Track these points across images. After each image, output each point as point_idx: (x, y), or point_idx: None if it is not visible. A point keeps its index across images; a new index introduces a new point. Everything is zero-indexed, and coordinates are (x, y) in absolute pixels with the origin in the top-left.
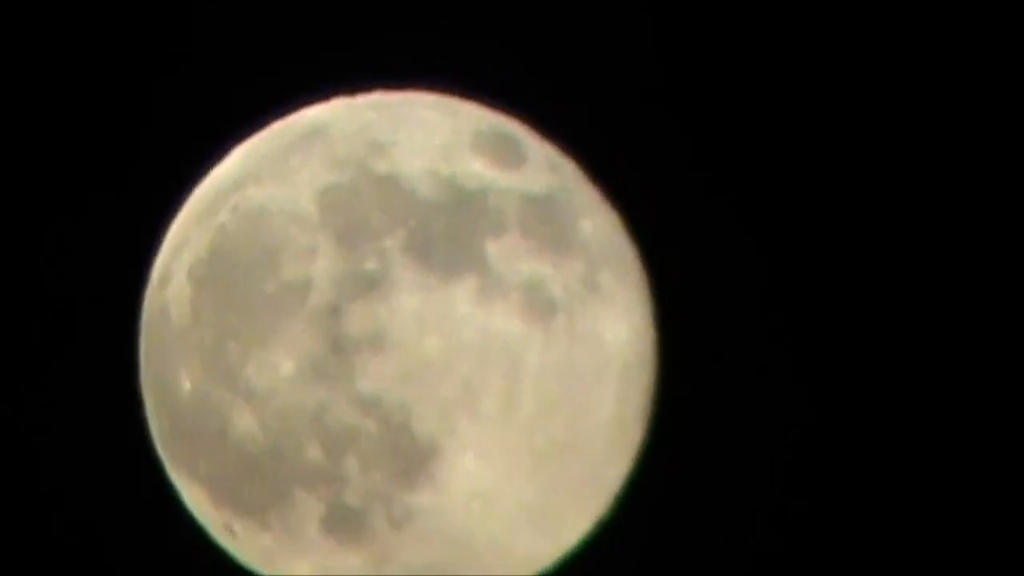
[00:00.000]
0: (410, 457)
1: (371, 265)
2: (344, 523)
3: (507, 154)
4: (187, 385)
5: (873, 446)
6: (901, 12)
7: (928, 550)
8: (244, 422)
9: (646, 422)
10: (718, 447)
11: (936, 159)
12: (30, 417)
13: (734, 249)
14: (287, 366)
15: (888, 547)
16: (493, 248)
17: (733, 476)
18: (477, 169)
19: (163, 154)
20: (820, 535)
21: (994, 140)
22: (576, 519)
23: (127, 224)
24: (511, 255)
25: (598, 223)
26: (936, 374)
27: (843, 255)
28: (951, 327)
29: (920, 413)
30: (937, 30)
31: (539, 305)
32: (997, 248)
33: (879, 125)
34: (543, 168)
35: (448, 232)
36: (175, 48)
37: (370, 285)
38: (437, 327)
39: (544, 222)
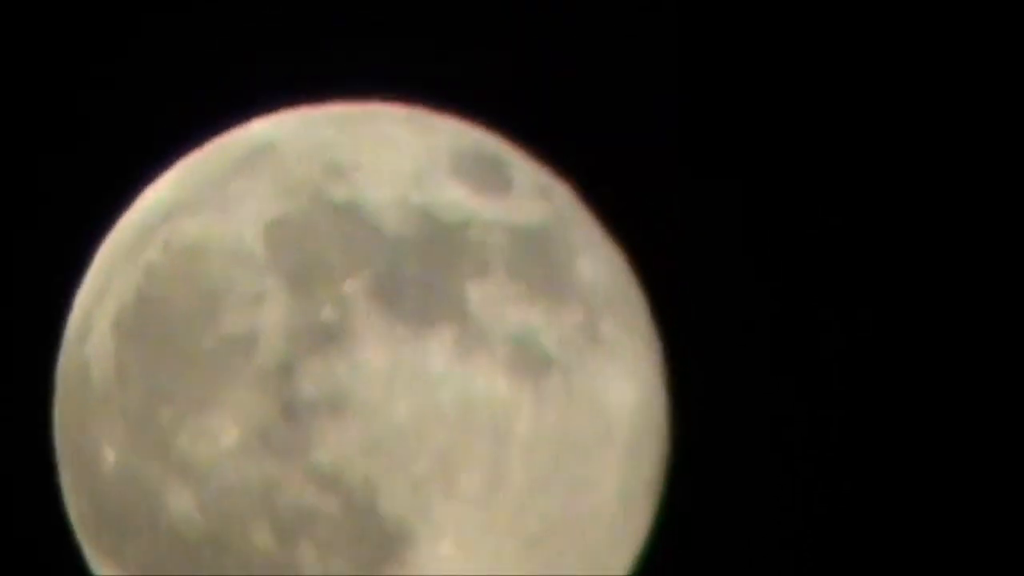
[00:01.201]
0: (377, 544)
1: (329, 314)
2: None
3: (491, 179)
4: (111, 458)
5: (913, 510)
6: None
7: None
8: (179, 502)
9: (656, 501)
10: (740, 531)
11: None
12: None
13: (759, 297)
14: (230, 435)
15: None
16: (475, 293)
17: (757, 566)
18: (455, 197)
19: (81, 179)
20: None
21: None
22: None
23: (37, 264)
24: (496, 301)
25: (599, 262)
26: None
27: (880, 295)
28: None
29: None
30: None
31: (529, 361)
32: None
33: (892, 143)
34: (533, 195)
35: (421, 274)
36: (97, 51)
37: (328, 338)
38: (408, 388)
39: (535, 261)
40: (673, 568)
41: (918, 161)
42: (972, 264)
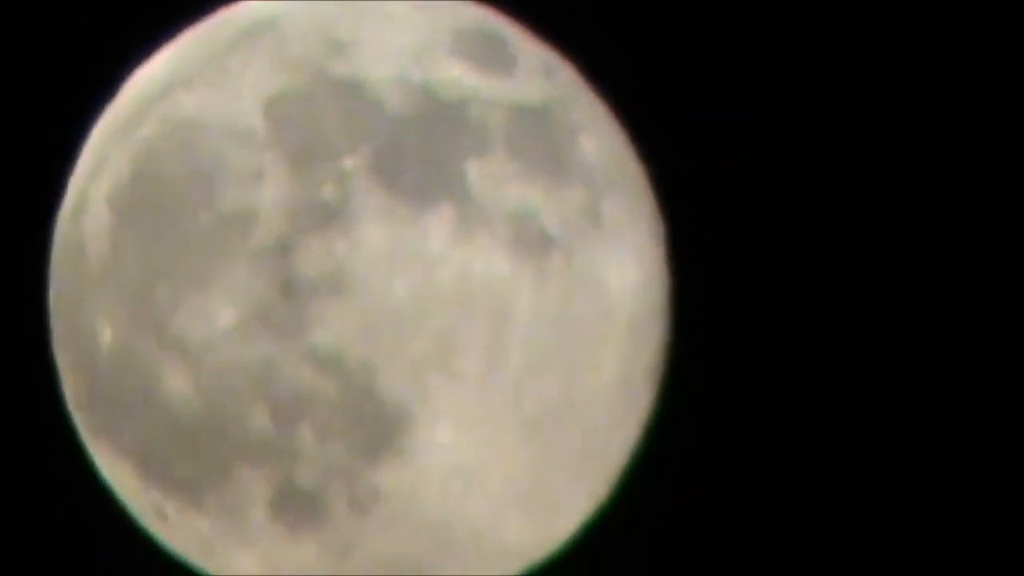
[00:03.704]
0: (375, 426)
1: (328, 192)
2: (296, 506)
3: (493, 57)
4: (107, 337)
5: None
6: None
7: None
8: (176, 382)
9: (658, 384)
10: (742, 415)
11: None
12: None
13: (767, 174)
14: (227, 315)
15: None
16: (475, 171)
17: (759, 450)
18: (456, 75)
19: (76, 54)
20: (860, 520)
21: None
22: (574, 500)
23: (32, 140)
24: (496, 180)
25: (602, 141)
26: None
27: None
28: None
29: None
30: None
31: (530, 241)
32: None
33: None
34: (536, 74)
35: (421, 152)
36: None
37: (327, 216)
38: (407, 268)
39: (537, 139)
40: (674, 452)
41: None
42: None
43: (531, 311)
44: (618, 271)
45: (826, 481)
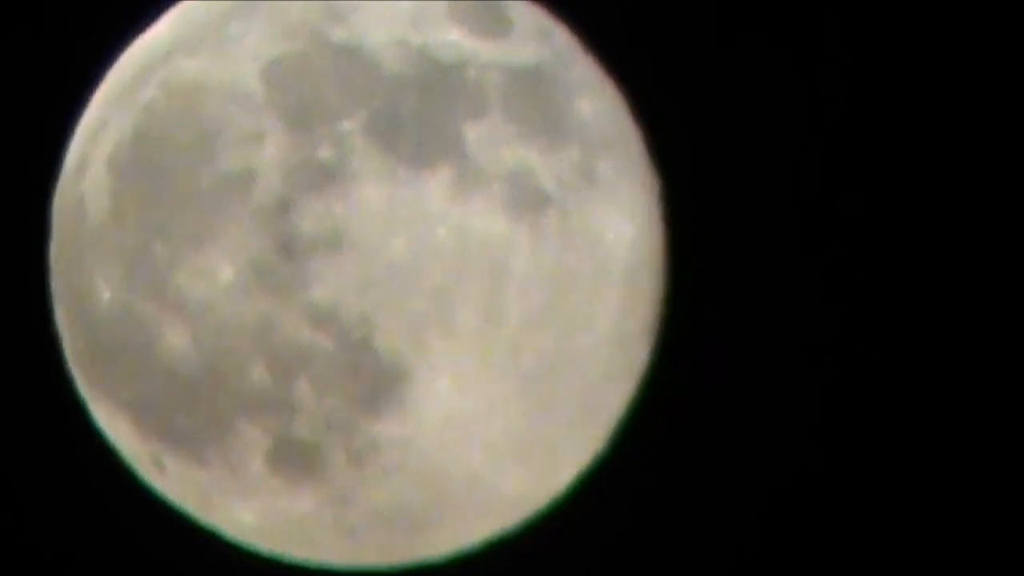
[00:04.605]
0: (373, 380)
1: (327, 153)
2: (295, 458)
3: (488, 20)
4: (106, 295)
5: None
6: None
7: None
8: (175, 338)
9: (652, 338)
10: (736, 368)
11: None
12: None
13: (757, 134)
14: (226, 272)
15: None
16: (472, 132)
17: (752, 403)
18: (453, 38)
19: (79, 19)
20: (849, 473)
21: None
22: (571, 453)
23: (35, 101)
24: (493, 140)
25: (596, 102)
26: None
27: (885, 143)
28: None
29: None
30: None
31: (526, 199)
32: None
33: None
34: (531, 37)
35: (418, 113)
36: None
37: (325, 176)
38: (405, 226)
39: (532, 101)
40: (669, 406)
41: None
42: None
43: (527, 268)
44: (613, 228)
45: (823, 432)
